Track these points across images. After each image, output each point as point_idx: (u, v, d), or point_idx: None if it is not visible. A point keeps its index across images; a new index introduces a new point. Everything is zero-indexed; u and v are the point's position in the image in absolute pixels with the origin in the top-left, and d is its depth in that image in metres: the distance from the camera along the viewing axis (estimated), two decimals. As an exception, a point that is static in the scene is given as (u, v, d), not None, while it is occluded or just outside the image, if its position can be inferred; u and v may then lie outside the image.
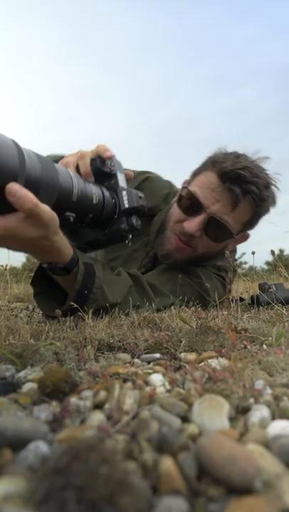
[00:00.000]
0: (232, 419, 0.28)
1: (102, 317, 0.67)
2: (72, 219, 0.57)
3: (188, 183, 0.92)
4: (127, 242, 0.71)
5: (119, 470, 0.19)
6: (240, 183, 0.80)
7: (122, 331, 0.56)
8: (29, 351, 0.43)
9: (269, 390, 0.33)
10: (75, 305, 0.62)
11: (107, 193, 0.64)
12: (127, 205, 0.66)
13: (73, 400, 0.31)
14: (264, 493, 0.19)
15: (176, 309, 0.78)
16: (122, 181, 0.68)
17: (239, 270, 0.88)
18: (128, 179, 0.72)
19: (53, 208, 0.49)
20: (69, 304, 0.63)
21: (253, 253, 0.95)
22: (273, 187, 0.88)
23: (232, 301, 0.91)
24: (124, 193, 0.67)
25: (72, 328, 0.60)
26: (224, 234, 0.86)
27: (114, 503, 0.17)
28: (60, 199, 0.51)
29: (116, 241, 0.70)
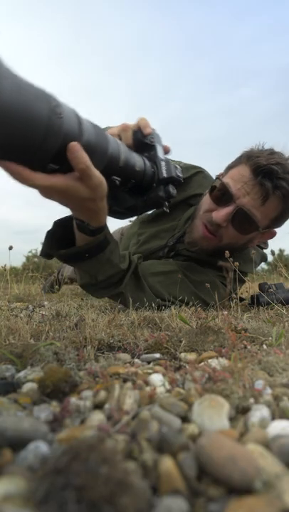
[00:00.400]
0: (232, 419, 0.28)
1: (102, 317, 0.67)
2: (117, 182, 0.61)
3: (222, 175, 0.94)
4: (164, 208, 0.76)
5: (119, 470, 0.19)
6: (271, 178, 0.82)
7: (122, 331, 0.57)
8: (29, 351, 0.43)
9: (269, 390, 0.33)
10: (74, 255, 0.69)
11: (147, 162, 0.67)
12: (165, 175, 0.69)
13: (73, 400, 0.31)
14: (264, 493, 0.19)
15: (176, 309, 0.78)
16: (160, 153, 0.72)
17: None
18: (166, 152, 0.75)
19: (102, 172, 0.53)
20: (71, 251, 0.70)
21: (253, 253, 0.95)
22: None
23: (232, 301, 0.91)
24: (162, 163, 0.70)
25: (72, 328, 0.60)
26: (250, 226, 0.88)
27: (114, 503, 0.17)
28: (109, 164, 0.56)
29: (153, 207, 0.75)
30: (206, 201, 0.92)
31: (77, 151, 0.46)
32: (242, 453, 0.21)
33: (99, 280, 0.75)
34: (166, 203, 0.75)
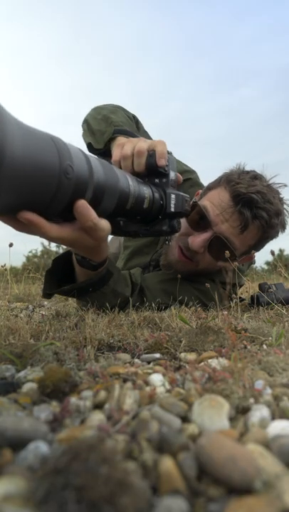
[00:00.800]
0: (232, 419, 0.28)
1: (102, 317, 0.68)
2: (122, 223, 0.60)
3: (201, 195, 0.92)
4: (166, 242, 0.77)
5: (119, 470, 0.19)
6: (251, 207, 0.79)
7: (122, 331, 0.57)
8: (29, 351, 0.43)
9: (269, 390, 0.33)
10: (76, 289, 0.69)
11: (156, 195, 0.64)
12: (173, 210, 0.67)
13: (73, 400, 0.31)
14: (264, 493, 0.19)
15: (176, 309, 0.78)
16: (172, 182, 0.69)
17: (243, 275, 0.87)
18: (178, 183, 0.72)
19: (109, 215, 0.52)
20: (75, 286, 0.70)
21: (253, 253, 0.95)
22: (285, 213, 0.87)
23: (232, 301, 0.91)
24: (172, 196, 0.67)
25: (72, 328, 0.60)
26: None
27: (114, 503, 0.17)
28: (117, 207, 0.53)
29: (155, 236, 0.74)
30: (183, 224, 0.87)
31: (84, 209, 0.45)
32: (242, 453, 0.21)
33: (105, 307, 0.76)
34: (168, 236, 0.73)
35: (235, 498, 0.19)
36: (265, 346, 0.50)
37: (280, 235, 0.90)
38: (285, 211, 0.87)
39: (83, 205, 0.45)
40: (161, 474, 0.21)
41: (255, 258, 0.98)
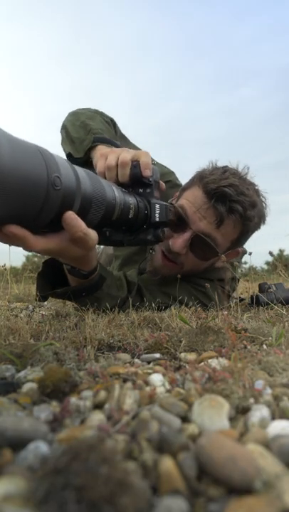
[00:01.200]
0: (232, 419, 0.28)
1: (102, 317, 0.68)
2: (108, 233, 0.61)
3: (177, 197, 0.92)
4: (150, 251, 0.78)
5: (119, 470, 0.19)
6: (224, 201, 0.78)
7: (122, 331, 0.57)
8: (29, 351, 0.43)
9: (269, 390, 0.33)
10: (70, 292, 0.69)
11: (141, 204, 0.65)
12: (157, 219, 0.68)
13: (73, 400, 0.31)
14: (264, 493, 0.19)
15: (176, 309, 0.78)
16: (156, 192, 0.70)
17: (239, 271, 0.87)
18: (161, 190, 0.73)
19: (95, 225, 0.52)
20: (68, 290, 0.70)
21: (250, 254, 0.95)
22: (261, 204, 0.86)
23: (232, 301, 0.91)
24: (157, 206, 0.68)
25: (72, 328, 0.60)
26: (210, 252, 0.85)
27: (114, 503, 0.17)
28: (103, 218, 0.54)
29: (139, 245, 0.73)
30: None
31: (72, 219, 0.45)
32: (242, 453, 0.21)
33: (102, 308, 0.76)
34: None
35: (235, 498, 0.19)
36: (265, 346, 0.50)
37: (263, 226, 0.90)
38: (261, 202, 0.87)
39: (71, 216, 0.44)
40: (161, 474, 0.21)
41: (248, 252, 0.98)
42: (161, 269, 0.88)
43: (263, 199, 0.88)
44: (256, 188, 0.87)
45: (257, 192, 0.86)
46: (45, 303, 1.22)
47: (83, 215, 0.47)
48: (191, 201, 0.83)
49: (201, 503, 0.19)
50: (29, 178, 0.36)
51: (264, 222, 0.89)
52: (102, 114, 0.99)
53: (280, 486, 0.20)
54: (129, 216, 0.61)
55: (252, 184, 0.86)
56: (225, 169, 0.85)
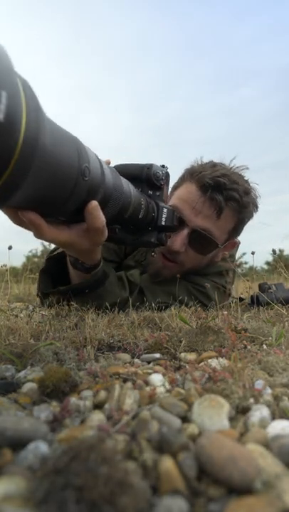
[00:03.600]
0: (232, 419, 0.28)
1: (102, 317, 0.68)
2: (117, 230, 0.61)
3: (169, 197, 0.92)
4: (152, 253, 0.77)
5: (119, 470, 0.19)
6: (221, 190, 0.79)
7: (122, 331, 0.56)
8: (29, 351, 0.43)
9: (269, 390, 0.33)
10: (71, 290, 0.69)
11: (150, 206, 0.65)
12: (163, 223, 0.68)
13: (73, 399, 0.31)
14: (264, 493, 0.19)
15: (176, 309, 0.78)
16: (165, 195, 0.70)
17: (239, 270, 0.87)
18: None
19: (108, 220, 0.52)
20: (72, 287, 0.70)
21: (253, 253, 0.95)
22: (253, 193, 0.88)
23: (232, 301, 0.91)
24: (165, 210, 0.68)
25: (72, 328, 0.60)
26: (210, 246, 0.85)
27: (114, 503, 0.17)
28: (118, 212, 0.54)
29: (140, 246, 0.73)
30: None
31: (96, 209, 0.45)
32: (242, 453, 0.21)
33: (104, 306, 0.76)
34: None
35: (235, 498, 0.19)
36: (265, 346, 0.50)
37: (255, 215, 0.91)
38: (253, 190, 0.88)
39: (96, 206, 0.45)
40: (161, 474, 0.21)
41: (251, 252, 0.98)
42: (162, 270, 0.88)
43: (253, 187, 0.89)
44: (245, 178, 0.88)
45: (247, 182, 0.88)
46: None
47: (102, 207, 0.48)
48: (184, 198, 0.84)
49: (201, 503, 0.19)
50: (63, 165, 0.36)
51: (256, 210, 0.91)
52: None
53: (280, 486, 0.20)
54: (139, 216, 0.61)
55: (240, 175, 0.87)
56: (213, 163, 0.87)
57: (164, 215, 0.68)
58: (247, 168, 0.89)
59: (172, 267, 0.87)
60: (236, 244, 0.96)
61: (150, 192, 0.67)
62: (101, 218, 0.47)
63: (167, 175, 0.70)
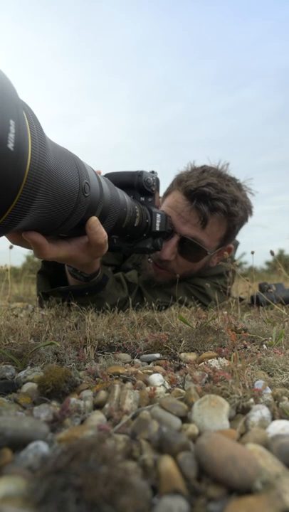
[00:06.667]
0: (232, 419, 0.28)
1: (102, 317, 0.68)
2: (115, 240, 0.62)
3: (160, 204, 0.92)
4: (148, 259, 0.79)
5: (119, 470, 0.19)
6: (206, 201, 0.78)
7: (122, 331, 0.57)
8: (29, 351, 0.43)
9: (269, 390, 0.33)
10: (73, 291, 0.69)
11: (144, 213, 0.65)
12: (158, 229, 0.69)
13: (73, 399, 0.31)
14: (264, 493, 0.19)
15: (176, 309, 0.78)
16: (156, 201, 0.71)
17: (239, 270, 0.87)
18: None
19: (107, 232, 0.52)
20: (72, 288, 0.70)
21: (253, 253, 0.95)
22: (245, 196, 0.86)
23: (232, 301, 0.91)
24: (158, 215, 0.69)
25: (72, 328, 0.60)
26: (199, 253, 0.84)
27: (114, 503, 0.17)
28: (115, 224, 0.55)
29: (136, 253, 0.74)
30: None
31: (97, 225, 0.45)
32: (242, 453, 0.21)
33: (103, 307, 0.76)
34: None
35: (235, 498, 0.19)
36: (265, 346, 0.50)
37: (250, 219, 0.90)
38: (245, 195, 0.86)
39: (96, 222, 0.45)
40: (161, 474, 0.21)
41: (251, 251, 0.98)
42: (156, 277, 0.88)
43: (247, 190, 0.88)
44: (237, 182, 0.86)
45: (239, 186, 0.86)
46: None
47: (101, 222, 0.48)
48: (172, 206, 0.83)
49: (201, 503, 0.19)
50: (66, 185, 0.36)
51: (251, 214, 0.89)
52: None
53: (280, 486, 0.20)
54: (135, 224, 0.61)
55: (232, 179, 0.85)
56: (203, 169, 0.85)
57: (157, 221, 0.68)
58: (227, 163, 0.88)
59: (164, 273, 0.87)
60: (231, 250, 0.95)
61: (142, 199, 0.68)
62: (103, 234, 0.47)
63: (157, 181, 0.70)
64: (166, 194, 0.89)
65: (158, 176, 0.71)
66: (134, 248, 0.69)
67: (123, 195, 0.56)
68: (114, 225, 0.54)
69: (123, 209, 0.55)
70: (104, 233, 0.47)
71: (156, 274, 0.88)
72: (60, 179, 0.34)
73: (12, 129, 0.24)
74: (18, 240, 0.41)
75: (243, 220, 0.87)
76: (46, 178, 0.31)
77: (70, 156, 0.38)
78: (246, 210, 0.87)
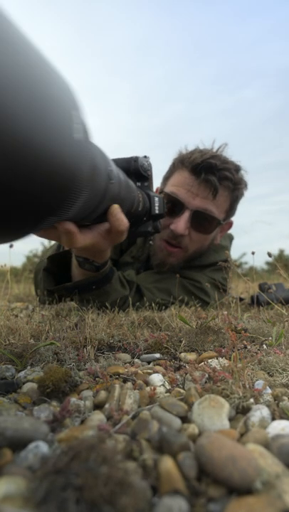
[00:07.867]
0: (232, 419, 0.28)
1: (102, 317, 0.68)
2: None
3: (161, 188, 0.95)
4: (150, 241, 0.81)
5: (119, 470, 0.19)
6: (213, 171, 0.83)
7: (122, 331, 0.57)
8: (29, 351, 0.43)
9: (269, 390, 0.33)
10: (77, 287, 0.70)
11: (145, 198, 0.67)
12: (157, 212, 0.70)
13: (73, 399, 0.31)
14: (264, 493, 0.19)
15: (176, 309, 0.78)
16: (152, 185, 0.72)
17: (239, 270, 0.87)
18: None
19: None
20: (79, 283, 0.71)
21: (253, 253, 0.95)
22: (242, 170, 0.91)
23: (232, 300, 0.91)
24: (156, 198, 0.70)
25: (72, 328, 0.60)
26: (211, 224, 0.89)
27: (114, 503, 0.17)
28: (127, 211, 0.55)
29: (138, 237, 0.77)
30: None
31: (119, 213, 0.46)
32: (242, 453, 0.21)
33: (109, 302, 0.77)
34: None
35: (235, 498, 0.19)
36: (265, 346, 0.50)
37: (245, 193, 0.95)
38: (241, 167, 0.91)
39: (118, 209, 0.46)
40: (161, 474, 0.21)
41: (251, 252, 1.00)
42: (168, 258, 0.91)
43: (240, 165, 0.93)
44: (231, 160, 0.92)
45: (234, 162, 0.91)
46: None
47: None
48: (179, 184, 0.87)
49: (201, 503, 0.19)
50: (100, 170, 0.36)
51: (246, 188, 0.94)
52: None
53: (280, 486, 0.20)
54: (139, 209, 0.62)
55: (226, 157, 0.91)
56: (199, 149, 0.91)
57: (156, 204, 0.70)
58: (226, 144, 0.93)
59: (177, 252, 0.90)
60: (231, 225, 1.01)
61: (139, 183, 0.70)
62: (124, 221, 0.47)
63: (151, 165, 0.72)
64: (168, 177, 0.93)
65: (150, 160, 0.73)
66: (137, 232, 0.71)
67: (135, 188, 0.57)
68: (127, 211, 0.54)
69: (132, 194, 0.56)
70: (126, 220, 0.48)
71: (168, 254, 0.91)
72: (98, 167, 0.34)
73: (77, 119, 0.24)
74: (44, 231, 0.41)
75: (243, 192, 0.93)
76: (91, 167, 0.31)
77: (94, 143, 0.38)
78: (245, 183, 0.93)
